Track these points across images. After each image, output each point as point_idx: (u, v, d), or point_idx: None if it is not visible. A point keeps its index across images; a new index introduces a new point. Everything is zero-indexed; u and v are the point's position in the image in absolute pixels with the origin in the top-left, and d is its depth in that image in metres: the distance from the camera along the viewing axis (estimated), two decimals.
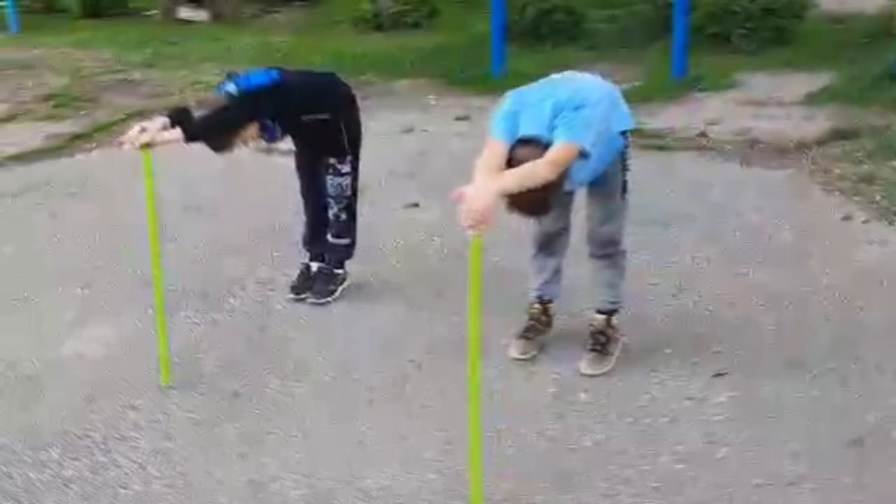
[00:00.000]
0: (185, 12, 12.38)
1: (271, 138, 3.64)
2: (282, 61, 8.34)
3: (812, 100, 6.24)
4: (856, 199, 4.63)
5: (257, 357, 3.47)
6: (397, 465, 2.81)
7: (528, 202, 2.80)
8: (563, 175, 2.80)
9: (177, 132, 3.25)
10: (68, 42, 10.37)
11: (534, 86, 3.03)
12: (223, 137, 3.48)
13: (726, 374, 3.21)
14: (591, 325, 3.38)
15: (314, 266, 3.98)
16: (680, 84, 6.93)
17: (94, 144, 6.25)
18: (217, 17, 12.26)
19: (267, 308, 3.87)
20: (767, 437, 2.87)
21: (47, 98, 7.60)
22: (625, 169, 3.19)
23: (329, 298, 3.91)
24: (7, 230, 4.79)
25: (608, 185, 3.19)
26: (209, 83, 6.82)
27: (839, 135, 5.43)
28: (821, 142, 5.41)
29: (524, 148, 2.81)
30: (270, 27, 11.74)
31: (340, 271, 3.96)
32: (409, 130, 6.32)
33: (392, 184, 5.17)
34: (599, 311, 3.38)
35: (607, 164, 3.12)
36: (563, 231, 3.36)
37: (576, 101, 2.88)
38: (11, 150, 5.93)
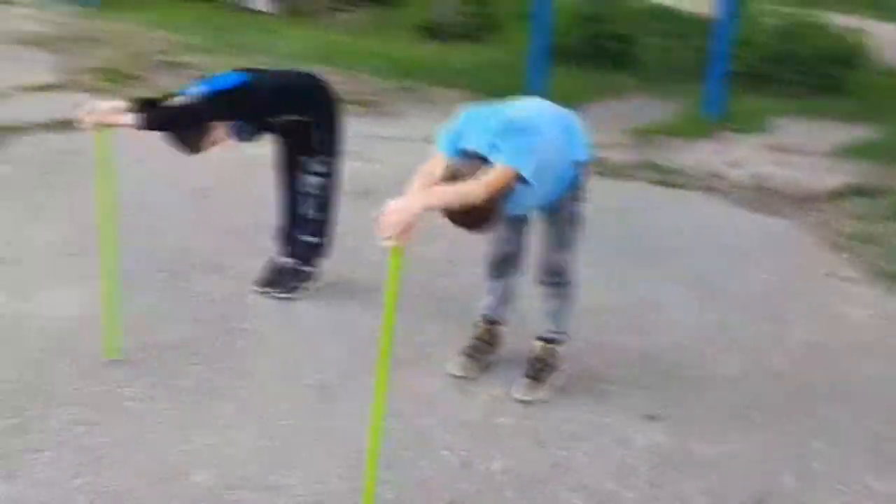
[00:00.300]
0: (257, 3, 12.69)
1: (241, 138, 3.70)
2: (326, 59, 8.52)
3: (841, 152, 6.08)
4: (845, 256, 4.49)
5: (207, 344, 3.53)
6: (305, 466, 2.84)
7: (465, 220, 2.79)
8: (499, 197, 2.79)
9: (129, 117, 3.31)
10: (139, 20, 10.73)
11: (488, 105, 3.03)
12: (188, 137, 3.53)
13: (659, 418, 3.15)
14: (531, 351, 3.36)
15: (281, 261, 4.04)
16: (711, 122, 6.81)
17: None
18: (287, 10, 12.53)
19: (231, 297, 3.94)
20: (678, 489, 2.81)
21: (96, 71, 7.88)
22: (578, 199, 3.16)
23: (292, 294, 3.96)
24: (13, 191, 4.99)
25: (560, 214, 3.17)
26: None
27: (855, 191, 5.28)
28: (834, 196, 5.27)
29: (462, 162, 2.82)
30: (335, 25, 11.92)
31: (308, 269, 4.00)
32: (432, 139, 6.33)
33: (400, 189, 5.16)
34: (540, 339, 3.35)
35: (559, 193, 3.10)
36: (515, 254, 3.35)
37: (522, 125, 2.86)
38: (41, 118, 6.13)
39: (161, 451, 2.87)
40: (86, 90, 7.12)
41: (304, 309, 3.87)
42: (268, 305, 3.88)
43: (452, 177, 2.79)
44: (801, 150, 6.19)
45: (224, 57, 8.70)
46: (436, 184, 2.79)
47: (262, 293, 3.97)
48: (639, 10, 9.57)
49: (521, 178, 2.80)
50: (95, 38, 9.64)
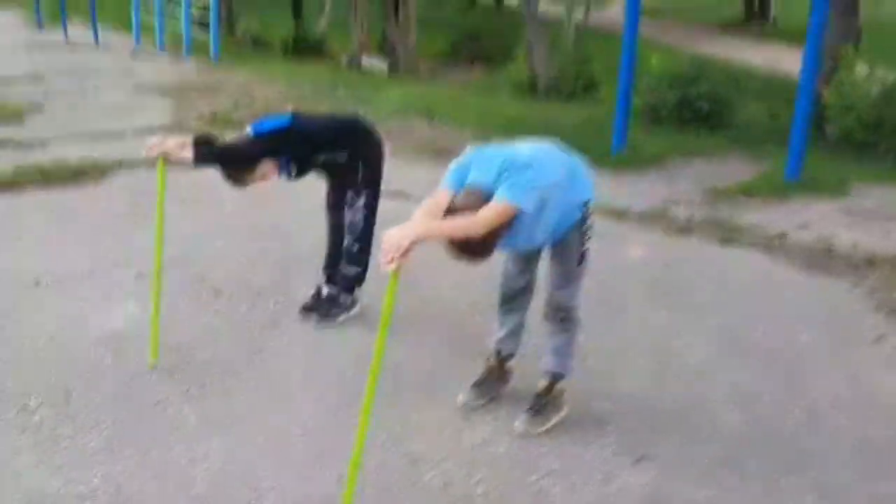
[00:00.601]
0: (367, 61, 13.38)
1: (288, 175, 3.99)
2: (422, 111, 8.90)
3: None
4: None
5: (239, 360, 3.81)
6: (297, 474, 3.03)
7: (462, 251, 2.92)
8: (498, 230, 2.90)
9: (188, 152, 3.67)
10: (254, 73, 11.52)
11: (495, 144, 3.18)
12: (237, 172, 3.84)
13: (647, 459, 3.17)
14: (538, 386, 3.44)
15: (325, 290, 4.29)
16: (790, 186, 6.69)
17: None
18: (395, 68, 13.15)
19: (273, 320, 4.21)
20: None
21: (207, 117, 8.53)
22: (584, 239, 3.25)
23: (333, 321, 4.19)
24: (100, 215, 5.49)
25: (566, 252, 3.26)
26: None
27: None
28: None
29: (464, 194, 2.94)
30: (438, 82, 12.42)
31: (348, 298, 4.24)
32: None
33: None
34: (545, 373, 3.44)
35: (565, 231, 3.20)
36: (526, 289, 3.46)
37: (526, 162, 2.98)
38: (142, 156, 6.68)
39: (166, 451, 3.15)
40: (190, 132, 7.73)
41: (338, 334, 4.09)
42: (306, 331, 4.12)
43: (453, 209, 2.93)
44: (878, 215, 6.00)
45: (329, 107, 9.25)
46: (438, 216, 2.94)
47: (304, 318, 4.23)
48: (736, 72, 9.51)
49: (519, 212, 2.91)
50: (214, 88, 10.43)
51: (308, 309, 4.27)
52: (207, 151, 3.74)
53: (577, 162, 3.27)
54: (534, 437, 3.30)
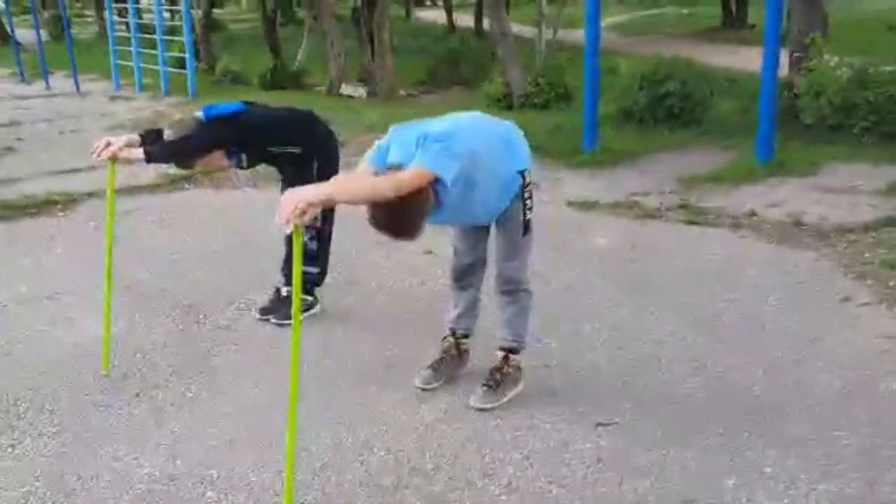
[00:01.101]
0: (346, 89, 13.45)
1: (237, 164, 3.97)
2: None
3: (889, 191, 5.80)
4: (869, 282, 4.29)
5: (191, 363, 3.76)
6: (248, 464, 2.97)
7: (385, 222, 2.83)
8: (419, 204, 2.79)
9: (138, 152, 3.64)
10: None
11: (418, 121, 3.09)
12: (186, 159, 3.84)
13: (605, 425, 3.11)
14: (492, 361, 3.39)
15: (284, 290, 4.25)
16: (760, 169, 6.66)
17: (187, 186, 6.95)
18: (373, 94, 13.20)
19: (230, 324, 4.17)
20: (612, 489, 2.75)
21: None
22: (525, 208, 3.20)
23: (291, 321, 4.13)
24: (70, 240, 5.48)
25: (509, 223, 3.22)
26: None
27: (889, 222, 5.04)
28: (869, 228, 5.04)
29: (386, 175, 2.85)
30: (417, 104, 12.45)
31: (307, 298, 4.19)
32: None
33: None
34: (500, 348, 3.38)
35: (507, 203, 3.16)
36: (476, 265, 3.41)
37: (444, 131, 2.93)
38: (132, 182, 6.74)
39: (116, 449, 3.09)
40: None
41: (286, 333, 4.01)
42: (265, 331, 4.08)
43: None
44: (848, 190, 5.96)
45: None
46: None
47: (263, 320, 4.18)
48: (701, 72, 9.52)
49: (439, 183, 2.81)
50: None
51: (266, 311, 4.22)
52: (158, 150, 3.72)
53: (511, 130, 3.23)
54: (489, 413, 3.24)
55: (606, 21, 20.47)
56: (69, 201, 6.54)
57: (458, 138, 2.93)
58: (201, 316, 4.26)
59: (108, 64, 14.47)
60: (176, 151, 3.80)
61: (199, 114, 3.84)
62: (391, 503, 2.73)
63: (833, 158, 6.94)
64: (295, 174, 4.05)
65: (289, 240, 4.19)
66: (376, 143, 3.06)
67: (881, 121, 7.76)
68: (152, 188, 6.90)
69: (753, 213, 5.55)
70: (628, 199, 6.06)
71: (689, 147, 7.99)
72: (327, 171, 4.04)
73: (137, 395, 3.48)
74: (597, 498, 2.71)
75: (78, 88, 14.04)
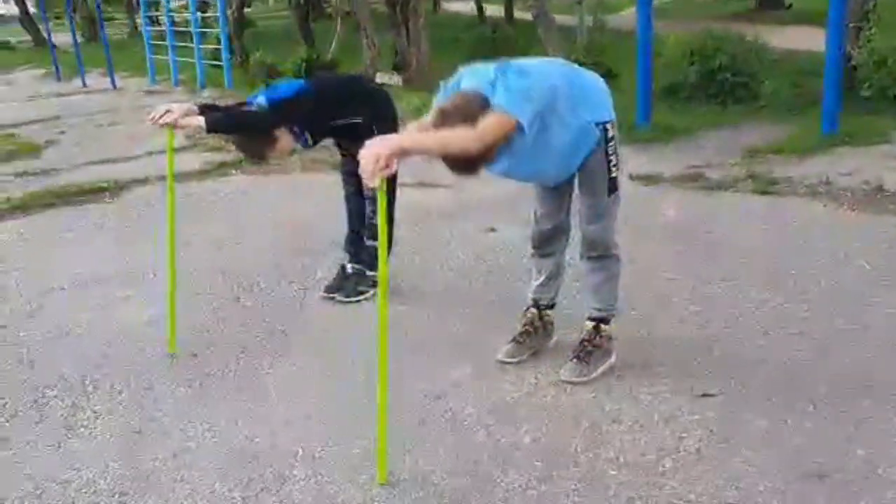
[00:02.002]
0: (381, 77, 13.27)
1: (304, 145, 3.80)
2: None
3: None
4: None
5: (263, 341, 3.61)
6: (329, 438, 2.80)
7: (451, 164, 2.63)
8: (492, 146, 2.58)
9: (200, 119, 3.49)
10: None
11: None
12: (255, 145, 3.66)
13: (711, 395, 2.90)
14: (581, 332, 3.19)
15: (349, 267, 4.08)
16: (826, 139, 6.39)
17: (234, 172, 6.83)
18: (410, 82, 13.02)
19: (296, 303, 4.01)
20: (726, 462, 2.55)
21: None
22: (610, 164, 2.96)
23: (357, 298, 3.98)
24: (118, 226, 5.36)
25: (593, 181, 2.99)
26: None
27: None
28: None
29: (455, 96, 2.65)
30: None
31: (373, 273, 4.01)
32: None
33: (485, 211, 5.10)
34: (589, 318, 3.18)
35: (583, 158, 2.93)
36: (559, 231, 3.20)
37: (522, 69, 2.70)
38: (157, 173, 6.63)
39: (188, 427, 2.95)
40: (210, 150, 7.63)
41: (366, 311, 3.86)
42: (332, 309, 3.91)
43: (444, 113, 2.61)
44: None
45: None
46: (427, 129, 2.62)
47: (328, 298, 4.02)
48: (752, 46, 9.21)
49: (518, 128, 2.60)
50: None
51: (331, 289, 4.06)
52: (219, 119, 3.57)
53: (593, 79, 3.00)
54: (582, 385, 3.04)
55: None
56: (117, 189, 6.45)
57: (537, 79, 2.72)
58: (264, 296, 4.11)
59: (142, 61, 14.45)
60: (238, 124, 3.65)
61: (259, 99, 3.64)
62: (492, 479, 2.54)
63: None
64: (358, 143, 3.86)
65: (352, 209, 4.02)
66: (441, 83, 2.84)
67: None
68: (200, 175, 6.80)
69: (828, 181, 5.30)
70: (693, 172, 5.82)
71: (746, 121, 7.72)
72: (385, 133, 3.86)
73: (208, 374, 3.33)
74: (715, 470, 2.50)
75: (114, 85, 14.04)
